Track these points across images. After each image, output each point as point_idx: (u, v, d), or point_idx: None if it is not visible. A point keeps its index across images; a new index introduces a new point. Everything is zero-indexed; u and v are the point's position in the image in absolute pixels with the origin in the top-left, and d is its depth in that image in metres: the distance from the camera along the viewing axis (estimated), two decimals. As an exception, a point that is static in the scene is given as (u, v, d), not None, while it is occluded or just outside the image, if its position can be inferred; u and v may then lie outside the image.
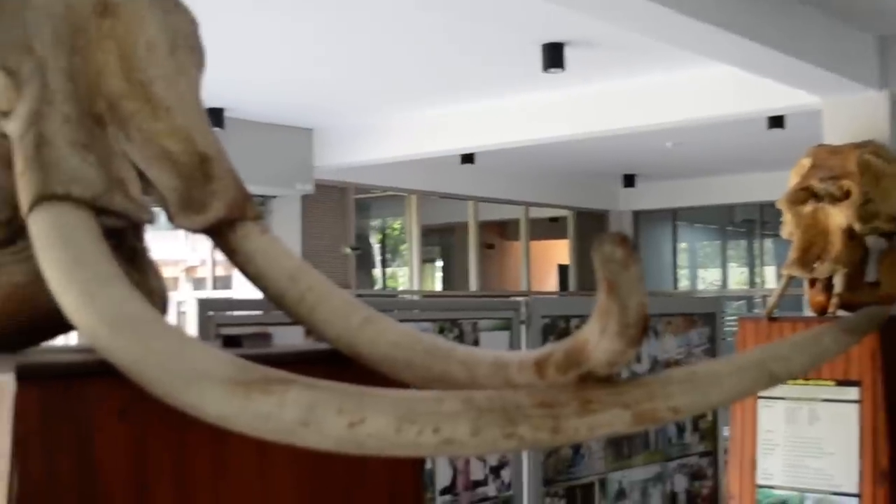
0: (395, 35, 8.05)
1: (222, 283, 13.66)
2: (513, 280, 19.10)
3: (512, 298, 4.30)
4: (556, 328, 4.31)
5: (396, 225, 18.80)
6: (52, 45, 1.38)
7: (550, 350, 1.19)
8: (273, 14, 7.44)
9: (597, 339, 1.09)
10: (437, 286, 19.76)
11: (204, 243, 13.59)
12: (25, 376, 1.14)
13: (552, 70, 8.45)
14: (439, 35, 8.09)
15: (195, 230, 1.42)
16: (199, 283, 15.00)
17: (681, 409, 1.15)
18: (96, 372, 1.19)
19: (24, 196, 1.30)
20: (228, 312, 3.20)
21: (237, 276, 13.50)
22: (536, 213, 17.59)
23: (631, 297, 1.05)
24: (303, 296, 1.41)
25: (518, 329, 4.17)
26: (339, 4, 7.24)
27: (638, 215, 18.18)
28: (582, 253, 17.58)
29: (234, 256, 1.45)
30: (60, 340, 1.55)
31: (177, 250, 14.77)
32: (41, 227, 1.28)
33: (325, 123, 11.93)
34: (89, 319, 1.19)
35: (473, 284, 16.49)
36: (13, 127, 1.34)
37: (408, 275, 16.04)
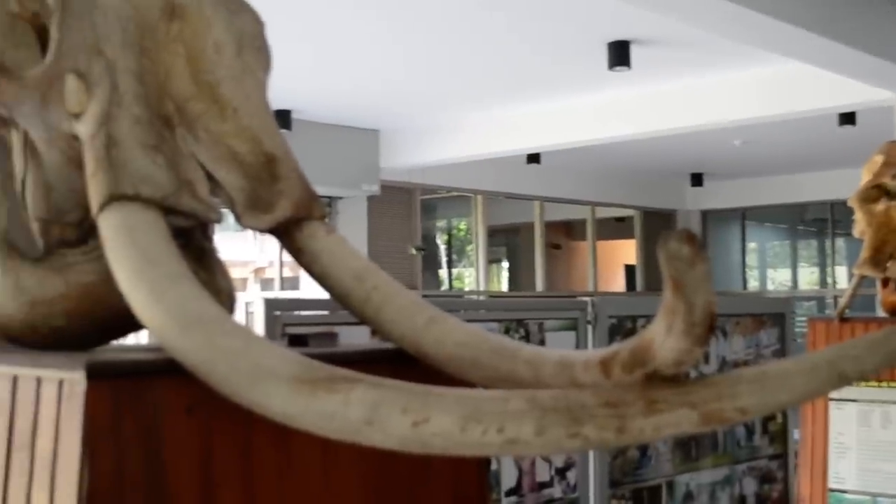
0: (460, 35, 8.06)
1: (290, 283, 13.78)
2: (579, 280, 19.02)
3: (578, 298, 4.27)
4: (623, 328, 4.28)
5: (462, 225, 18.83)
6: (121, 47, 1.40)
7: (616, 349, 1.18)
8: (339, 16, 7.49)
9: (663, 338, 1.08)
10: (503, 287, 19.75)
11: (272, 244, 13.73)
12: (95, 374, 1.15)
13: (618, 68, 8.40)
14: (505, 35, 8.08)
15: (262, 230, 1.44)
16: (266, 284, 15.16)
17: (749, 409, 1.13)
18: (165, 370, 1.20)
19: (95, 197, 1.32)
20: (295, 312, 3.23)
21: (305, 277, 13.59)
22: (603, 212, 17.51)
23: (698, 295, 1.03)
24: (368, 295, 1.42)
25: (584, 329, 4.15)
26: (405, 5, 7.27)
27: (706, 215, 18.00)
28: (649, 253, 17.46)
29: (301, 256, 1.46)
30: (130, 339, 1.57)
31: (245, 251, 14.94)
32: (111, 227, 1.30)
33: (391, 124, 11.98)
34: (158, 318, 1.21)
35: (539, 285, 16.45)
36: (84, 128, 1.36)
37: (474, 275, 16.05)
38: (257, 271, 15.98)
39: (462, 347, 1.37)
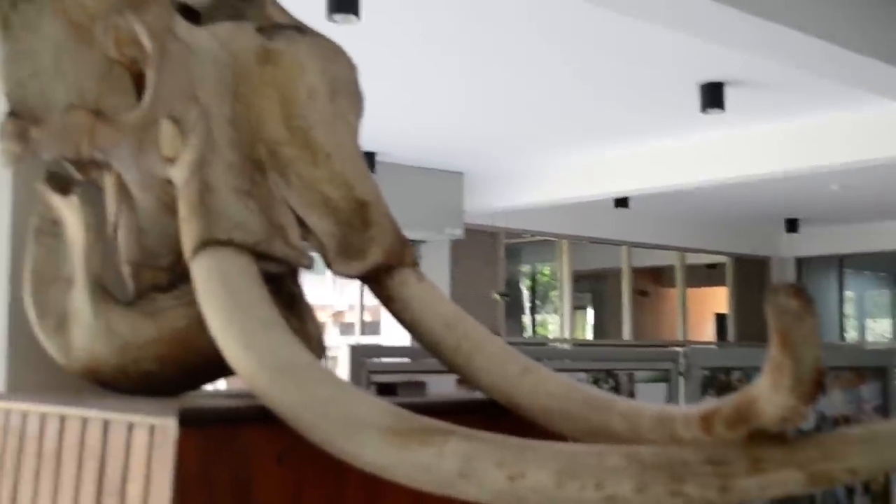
0: (548, 77, 8.08)
1: (370, 328, 13.85)
2: (668, 329, 18.80)
3: (670, 348, 4.22)
4: (717, 381, 4.22)
5: (546, 271, 18.76)
6: (216, 92, 1.43)
7: (717, 405, 1.16)
8: (425, 57, 7.57)
9: (768, 395, 1.06)
10: (588, 334, 19.59)
11: (352, 288, 13.82)
12: (187, 421, 1.17)
13: (711, 111, 8.34)
14: (593, 76, 8.08)
15: (353, 276, 1.45)
16: (346, 329, 15.23)
17: (859, 470, 1.11)
18: (255, 418, 1.21)
19: (188, 241, 1.35)
20: (380, 359, 3.24)
21: (386, 323, 13.69)
22: (693, 259, 17.31)
23: (806, 350, 1.02)
24: (459, 344, 1.43)
25: (676, 381, 4.10)
26: (491, 47, 7.32)
27: (801, 262, 17.70)
28: (741, 301, 17.20)
29: (391, 303, 1.48)
30: (220, 385, 1.59)
31: (324, 295, 15.05)
32: (203, 272, 1.32)
33: (475, 167, 12.03)
34: (249, 364, 1.23)
35: (626, 333, 16.30)
36: (178, 173, 1.39)
37: (558, 322, 15.96)
38: (336, 315, 16.09)
39: (554, 399, 1.37)
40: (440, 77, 8.14)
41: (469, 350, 1.42)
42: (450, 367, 1.46)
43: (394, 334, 12.45)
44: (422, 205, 11.77)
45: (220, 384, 1.95)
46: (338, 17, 5.70)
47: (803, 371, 1.03)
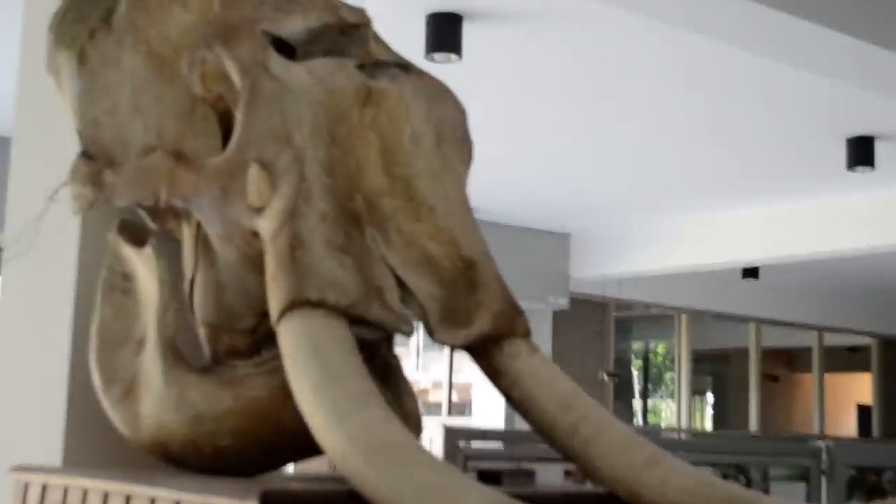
0: (670, 127, 8.06)
1: (457, 409, 13.83)
2: (800, 420, 18.44)
3: (811, 443, 4.14)
4: (865, 482, 4.12)
5: (661, 349, 18.59)
6: (311, 134, 1.45)
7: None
8: (529, 105, 7.61)
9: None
10: (707, 423, 19.31)
11: (438, 365, 13.84)
12: (270, 505, 1.17)
13: (859, 168, 8.24)
14: (723, 127, 8.04)
15: (457, 346, 1.45)
16: (431, 409, 15.23)
17: None
18: (346, 503, 1.21)
19: (275, 301, 1.35)
20: (471, 443, 3.23)
21: (477, 403, 13.65)
22: (832, 339, 17.01)
23: None
24: (576, 427, 1.41)
25: (818, 480, 4.01)
26: (604, 94, 7.34)
27: (961, 347, 17.29)
28: (888, 391, 16.81)
29: (498, 378, 1.47)
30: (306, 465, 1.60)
31: (408, 371, 15.11)
32: (291, 336, 1.33)
33: (583, 228, 12.01)
34: (340, 442, 1.22)
35: (753, 423, 16.02)
36: (266, 225, 1.40)
37: (673, 408, 15.77)
38: (421, 393, 16.11)
39: (687, 495, 1.34)
40: (546, 126, 8.17)
41: (588, 435, 1.40)
42: (564, 454, 1.44)
43: (486, 416, 12.41)
44: (522, 269, 11.76)
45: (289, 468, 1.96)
46: (437, 56, 5.79)
47: None
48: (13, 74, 2.16)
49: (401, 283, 1.45)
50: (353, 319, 1.36)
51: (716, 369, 19.08)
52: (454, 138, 1.56)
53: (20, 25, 2.10)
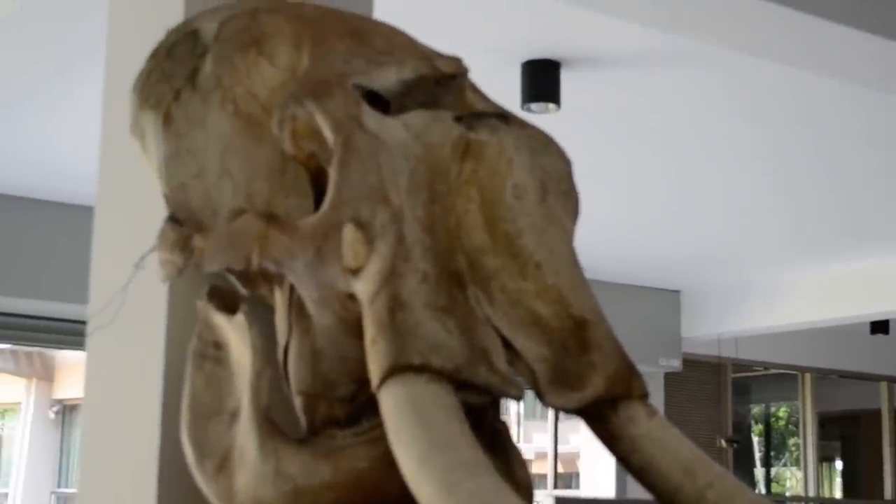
0: (787, 171, 7.99)
1: (563, 481, 13.73)
2: (942, 487, 17.98)
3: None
4: None
5: (782, 412, 18.29)
6: (409, 191, 1.47)
7: None
8: (633, 154, 7.60)
9: None
10: (837, 492, 18.92)
11: (541, 434, 13.75)
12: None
13: None
14: (838, 173, 7.95)
15: (569, 411, 1.45)
16: (536, 481, 15.13)
17: None
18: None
19: (375, 367, 1.37)
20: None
21: (585, 474, 13.53)
22: (974, 398, 16.61)
23: None
24: (702, 495, 1.40)
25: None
26: (708, 144, 7.30)
27: None
28: None
29: (615, 444, 1.47)
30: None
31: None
32: (394, 404, 1.34)
33: (695, 285, 11.91)
34: (450, 515, 1.23)
35: (888, 490, 15.66)
36: (363, 287, 1.42)
37: (799, 476, 15.49)
38: (524, 465, 16.00)
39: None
40: (651, 177, 8.14)
41: (715, 502, 1.39)
42: (689, 524, 1.43)
43: (595, 487, 12.29)
44: (630, 329, 11.64)
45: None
46: (535, 106, 5.80)
47: None
48: (93, 143, 2.20)
49: (507, 345, 1.46)
50: (459, 384, 1.36)
51: (845, 433, 18.73)
52: (559, 191, 1.57)
53: (100, 92, 2.14)
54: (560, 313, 1.47)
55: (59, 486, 17.14)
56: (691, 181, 8.29)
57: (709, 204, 8.87)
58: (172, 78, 1.65)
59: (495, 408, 1.51)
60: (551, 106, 5.88)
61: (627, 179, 8.22)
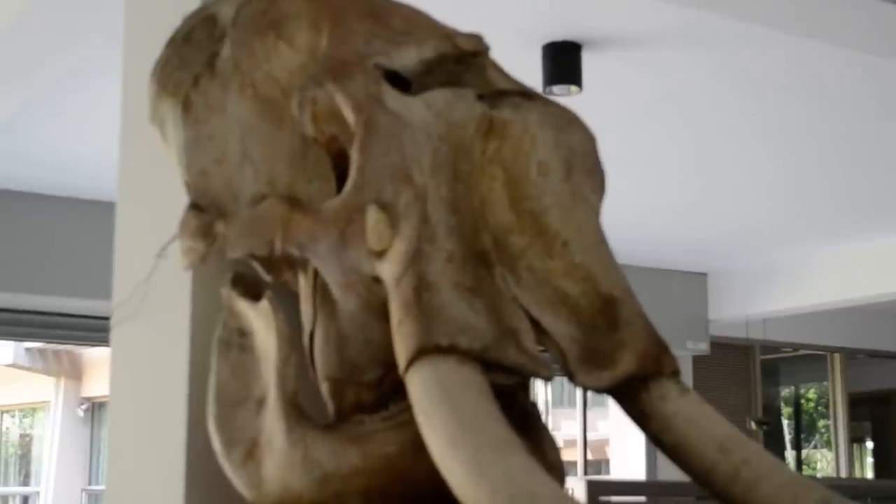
0: (805, 152, 7.94)
1: (593, 468, 13.73)
2: (975, 466, 17.90)
3: None
4: None
5: (813, 394, 18.24)
6: (433, 171, 1.45)
7: None
8: (658, 135, 7.57)
9: None
10: (868, 473, 18.86)
11: (570, 421, 13.75)
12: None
13: None
14: (866, 149, 7.89)
15: (600, 389, 1.44)
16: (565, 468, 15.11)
17: None
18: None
19: (402, 350, 1.35)
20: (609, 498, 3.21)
21: (615, 461, 13.53)
22: None
23: None
24: (737, 471, 1.39)
25: None
26: (734, 123, 7.26)
27: None
28: None
29: (647, 422, 1.45)
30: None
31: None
32: (422, 386, 1.32)
33: (722, 266, 11.86)
34: (482, 496, 1.21)
35: (921, 471, 15.60)
36: (388, 269, 1.41)
37: (830, 458, 15.44)
38: (554, 452, 16.00)
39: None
40: (676, 158, 8.11)
41: (751, 479, 1.38)
42: (723, 501, 1.41)
43: (625, 473, 12.28)
44: (657, 313, 11.53)
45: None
46: (556, 88, 5.78)
47: None
48: (114, 138, 2.19)
49: (535, 325, 1.45)
50: (488, 365, 1.35)
51: (875, 413, 18.65)
52: (585, 168, 1.55)
53: (119, 83, 2.14)
54: (588, 291, 1.46)
55: (89, 484, 17.25)
56: (715, 162, 8.25)
57: (733, 185, 8.83)
58: (191, 64, 1.64)
59: (525, 389, 1.49)
60: (573, 88, 5.86)
61: (651, 161, 8.19)
